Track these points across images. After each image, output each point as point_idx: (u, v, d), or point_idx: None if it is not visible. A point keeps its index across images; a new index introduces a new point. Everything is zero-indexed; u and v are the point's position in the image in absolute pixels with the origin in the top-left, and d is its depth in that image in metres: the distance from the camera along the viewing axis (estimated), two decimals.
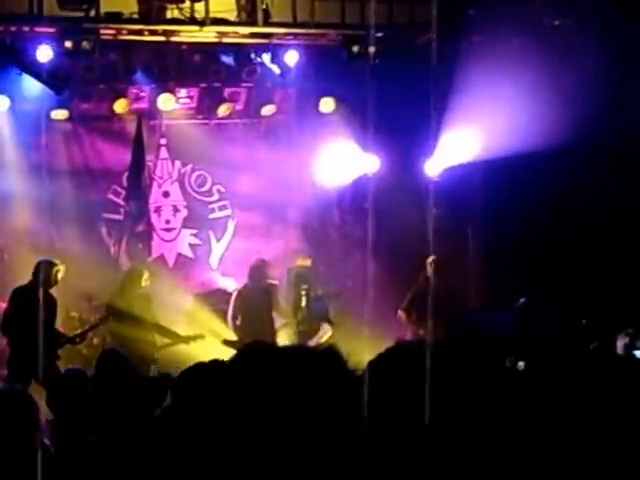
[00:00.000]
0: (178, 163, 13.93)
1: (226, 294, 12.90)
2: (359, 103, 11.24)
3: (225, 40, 12.58)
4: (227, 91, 13.26)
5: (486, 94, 11.60)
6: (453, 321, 10.49)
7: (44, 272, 10.15)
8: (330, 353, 2.07)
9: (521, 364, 7.44)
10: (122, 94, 12.79)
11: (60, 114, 12.59)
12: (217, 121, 13.69)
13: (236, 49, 12.69)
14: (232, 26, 12.54)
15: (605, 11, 11.82)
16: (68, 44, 11.43)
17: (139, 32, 12.27)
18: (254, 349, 2.45)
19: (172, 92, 12.84)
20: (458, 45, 12.36)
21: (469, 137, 12.74)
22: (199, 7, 12.21)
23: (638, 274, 11.81)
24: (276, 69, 12.77)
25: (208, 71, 12.90)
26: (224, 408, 1.82)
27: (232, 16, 12.62)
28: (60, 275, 10.52)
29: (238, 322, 12.05)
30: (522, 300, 10.96)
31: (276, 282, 12.76)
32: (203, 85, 13.13)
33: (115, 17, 12.04)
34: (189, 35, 12.48)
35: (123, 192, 13.35)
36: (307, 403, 1.83)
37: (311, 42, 12.83)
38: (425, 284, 11.89)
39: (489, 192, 13.36)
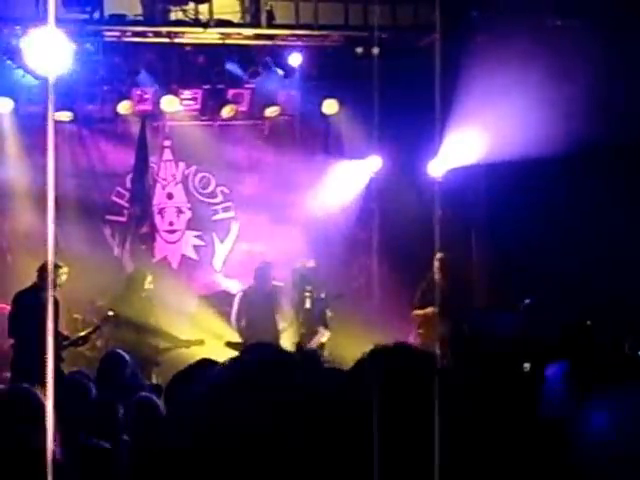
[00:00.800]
0: (182, 165, 13.94)
1: (229, 296, 12.89)
2: (363, 104, 11.24)
3: (229, 42, 12.59)
4: (231, 92, 13.25)
5: (490, 96, 11.59)
6: (458, 321, 10.49)
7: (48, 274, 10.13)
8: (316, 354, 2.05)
9: (526, 365, 7.43)
10: (126, 96, 12.79)
11: (64, 116, 12.59)
12: (221, 122, 13.69)
13: (240, 51, 12.71)
14: (236, 28, 12.56)
15: (609, 12, 11.81)
16: (72, 46, 11.43)
17: (143, 34, 12.29)
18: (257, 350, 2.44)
19: (176, 94, 12.84)
20: (461, 47, 12.33)
21: (473, 139, 12.73)
22: (203, 9, 12.25)
23: None
24: (280, 70, 12.79)
25: (212, 73, 12.90)
26: (217, 411, 1.81)
27: (236, 18, 12.65)
28: (64, 277, 10.51)
29: (243, 323, 12.05)
30: (527, 301, 10.94)
31: (281, 284, 12.75)
32: (207, 87, 13.12)
33: (119, 19, 12.08)
34: (193, 37, 12.50)
35: (127, 194, 13.36)
36: (306, 403, 1.82)
37: (315, 43, 12.85)
38: (434, 279, 11.89)
39: (493, 194, 13.35)
